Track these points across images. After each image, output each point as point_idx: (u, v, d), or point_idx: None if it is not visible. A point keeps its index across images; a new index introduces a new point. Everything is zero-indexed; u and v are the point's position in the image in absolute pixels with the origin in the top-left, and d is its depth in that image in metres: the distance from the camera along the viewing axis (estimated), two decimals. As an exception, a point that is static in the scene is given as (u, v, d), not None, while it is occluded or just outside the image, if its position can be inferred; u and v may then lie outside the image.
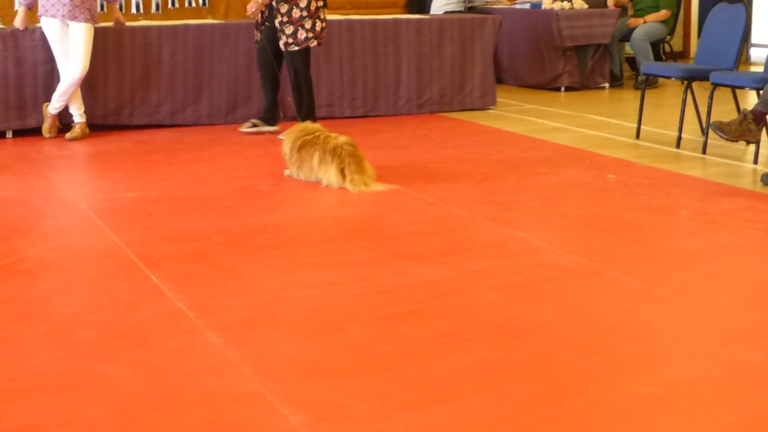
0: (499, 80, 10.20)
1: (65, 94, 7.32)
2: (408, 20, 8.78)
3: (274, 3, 7.11)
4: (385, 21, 8.68)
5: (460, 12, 10.44)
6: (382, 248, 4.51)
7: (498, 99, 9.15)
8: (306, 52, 7.23)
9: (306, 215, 5.16)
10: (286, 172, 6.04)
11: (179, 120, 7.97)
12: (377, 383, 3.03)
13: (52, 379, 3.07)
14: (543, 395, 2.94)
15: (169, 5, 10.23)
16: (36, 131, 7.51)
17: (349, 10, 11.05)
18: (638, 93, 8.65)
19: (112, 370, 3.13)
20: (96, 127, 7.69)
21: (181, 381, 3.04)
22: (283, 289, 3.92)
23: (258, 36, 7.47)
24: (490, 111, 8.91)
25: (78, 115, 7.46)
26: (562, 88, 10.14)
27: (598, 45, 10.21)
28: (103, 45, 7.67)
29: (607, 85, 10.44)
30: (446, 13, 10.31)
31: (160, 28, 7.92)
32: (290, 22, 7.10)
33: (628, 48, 10.89)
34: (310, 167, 5.85)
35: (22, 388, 3.00)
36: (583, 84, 10.23)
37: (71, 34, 7.26)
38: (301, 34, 7.11)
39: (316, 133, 5.92)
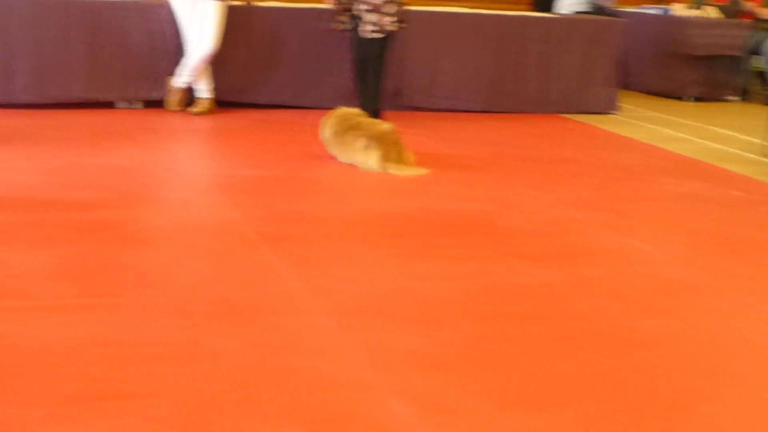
0: (624, 85, 10.04)
1: (195, 70, 7.46)
2: (535, 18, 8.72)
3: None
4: (512, 17, 8.63)
5: (587, 13, 10.32)
6: (498, 246, 4.49)
7: (621, 104, 9.02)
8: (384, 40, 7.08)
9: (425, 206, 5.16)
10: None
11: (301, 102, 8.05)
12: (488, 381, 3.02)
13: (170, 349, 3.14)
14: (653, 411, 2.90)
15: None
16: (163, 104, 7.68)
17: (476, 2, 11.01)
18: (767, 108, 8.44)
19: (228, 345, 3.18)
20: (220, 103, 7.82)
21: (296, 362, 3.08)
22: (399, 279, 3.93)
23: (340, 26, 7.34)
24: (612, 115, 8.79)
25: (206, 91, 7.59)
26: (689, 98, 9.94)
27: (729, 56, 9.99)
28: (233, 23, 7.78)
29: (735, 97, 10.20)
30: (576, 13, 10.20)
31: (289, 10, 8.00)
32: (373, 10, 6.97)
33: (759, 61, 10.63)
34: (353, 151, 6.00)
35: (140, 355, 3.07)
36: (710, 95, 10.02)
37: (203, 11, 7.39)
38: (384, 20, 7.00)
39: (359, 120, 6.10)
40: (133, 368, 2.97)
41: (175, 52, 7.69)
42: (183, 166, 5.80)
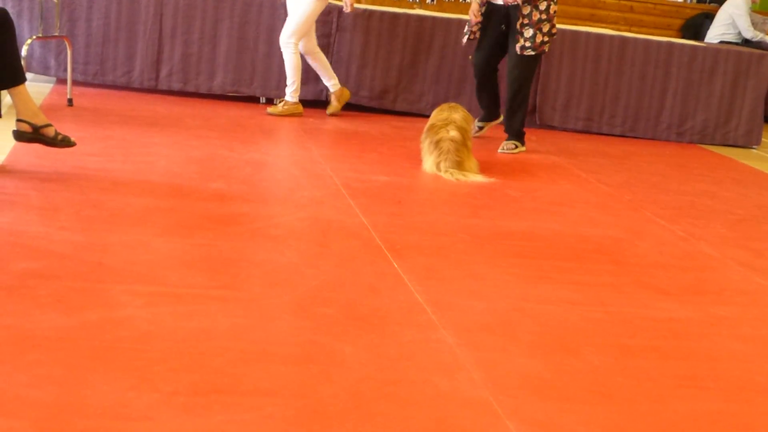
0: (768, 120, 9.80)
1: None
2: (682, 45, 8.55)
3: (519, 2, 6.78)
4: (659, 43, 8.49)
5: (736, 44, 10.09)
6: (626, 275, 4.42)
7: (765, 139, 8.78)
8: (538, 58, 6.93)
9: (552, 228, 5.11)
10: None
11: (438, 111, 8.06)
12: (607, 414, 2.97)
13: (291, 349, 3.17)
14: (779, 462, 2.82)
15: (445, -3, 10.36)
16: (302, 103, 7.78)
17: (622, 26, 10.88)
18: None
19: (348, 350, 3.21)
20: (360, 108, 7.91)
21: (413, 375, 3.08)
22: (522, 300, 3.90)
23: (467, 40, 7.13)
24: (754, 150, 8.57)
25: (330, 84, 7.64)
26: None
27: None
28: (377, 29, 7.85)
29: None
30: (721, 42, 9.99)
31: (434, 18, 8.03)
32: (530, 24, 6.78)
33: None
34: (422, 149, 6.18)
35: (262, 352, 3.11)
36: None
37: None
38: (539, 38, 6.81)
39: (444, 120, 6.14)
40: (252, 365, 3.01)
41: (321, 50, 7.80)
42: (317, 166, 5.86)
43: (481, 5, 6.96)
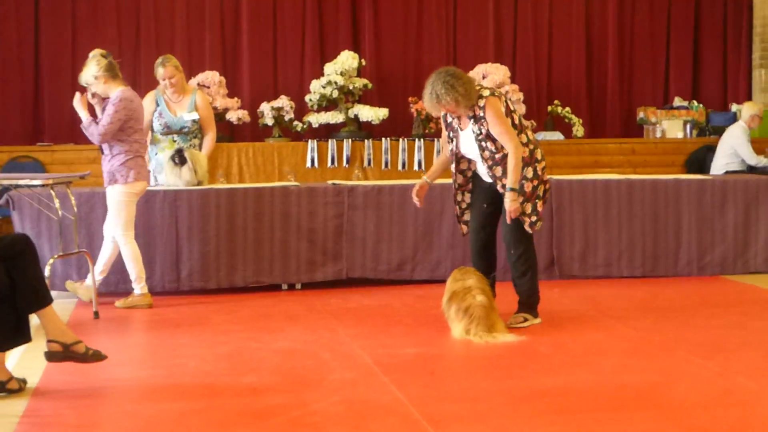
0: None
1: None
2: (689, 181, 8.66)
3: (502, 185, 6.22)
4: (666, 181, 8.60)
5: (742, 172, 10.21)
6: (668, 420, 4.37)
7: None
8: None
9: (587, 379, 5.09)
10: None
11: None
12: None
13: None
14: None
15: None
16: (323, 284, 7.88)
17: (626, 168, 11.03)
18: None
19: None
20: (381, 281, 8.00)
21: None
22: (568, 459, 3.87)
23: (465, 229, 6.59)
24: (777, 275, 8.58)
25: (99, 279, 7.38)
26: None
27: None
28: (386, 203, 8.01)
29: None
30: (727, 173, 10.11)
31: (442, 186, 8.17)
32: (526, 199, 6.25)
33: None
34: (449, 317, 6.15)
35: None
36: None
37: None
38: (540, 207, 6.34)
39: (463, 287, 6.13)
40: None
41: (335, 233, 7.94)
42: (345, 346, 5.89)
43: (466, 181, 6.51)
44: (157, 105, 8.04)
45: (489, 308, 6.05)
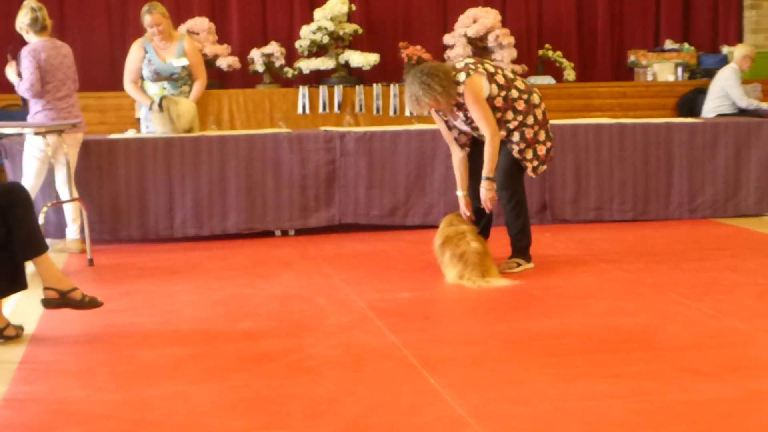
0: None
1: None
2: (680, 124, 8.67)
3: (505, 134, 6.27)
4: (657, 124, 8.61)
5: (733, 114, 10.22)
6: (660, 361, 4.42)
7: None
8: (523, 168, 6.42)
9: (580, 322, 5.13)
10: None
11: (450, 221, 8.14)
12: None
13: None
14: None
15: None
16: (316, 231, 7.92)
17: (618, 112, 11.03)
18: None
19: (398, 474, 3.22)
20: (373, 227, 8.03)
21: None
22: (563, 400, 3.91)
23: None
24: (767, 217, 8.61)
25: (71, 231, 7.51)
26: None
27: None
28: (380, 148, 8.02)
29: None
30: (718, 116, 10.12)
31: (434, 131, 8.16)
32: (528, 145, 6.32)
33: None
34: (443, 265, 6.21)
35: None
36: None
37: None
38: (541, 150, 6.38)
39: (456, 232, 6.19)
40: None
41: (327, 179, 7.95)
42: (340, 291, 5.92)
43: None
44: (146, 52, 8.00)
45: (483, 254, 6.08)
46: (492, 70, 6.23)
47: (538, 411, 3.79)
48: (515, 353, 4.58)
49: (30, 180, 7.12)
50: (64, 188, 7.18)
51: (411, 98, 6.05)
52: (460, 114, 6.18)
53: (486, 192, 6.17)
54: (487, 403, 3.89)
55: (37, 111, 7.19)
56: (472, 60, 6.25)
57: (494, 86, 6.17)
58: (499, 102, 6.20)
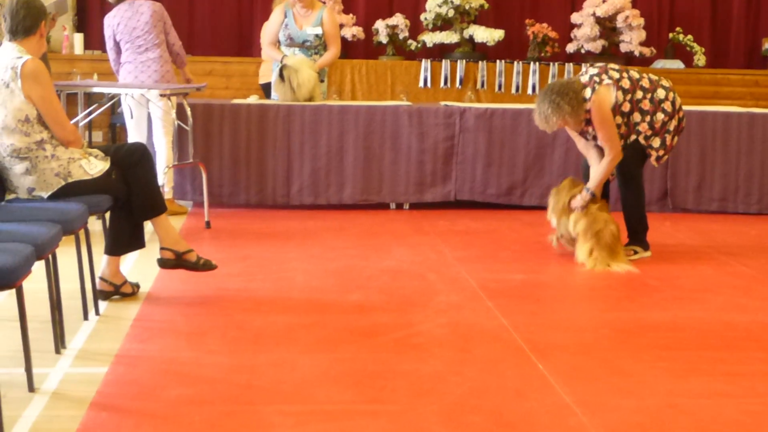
0: None
1: None
2: (814, 116, 8.36)
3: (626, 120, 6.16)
4: (790, 116, 8.33)
5: None
6: (779, 362, 4.29)
7: None
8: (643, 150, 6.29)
9: (697, 316, 5.00)
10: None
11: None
12: None
13: (444, 460, 3.17)
14: None
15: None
16: (431, 205, 7.89)
17: (748, 101, 10.71)
18: None
19: (501, 459, 3.18)
20: (489, 205, 7.98)
21: (570, 481, 3.04)
22: (673, 395, 3.82)
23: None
24: None
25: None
26: None
27: None
28: (501, 126, 7.94)
29: None
30: None
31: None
32: (654, 133, 6.20)
33: None
34: (567, 229, 6.17)
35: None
36: None
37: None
38: (669, 140, 6.25)
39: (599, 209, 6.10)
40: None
41: (445, 155, 7.91)
42: (452, 269, 5.89)
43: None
44: (285, 17, 8.07)
45: (617, 239, 6.03)
46: (617, 76, 6.11)
47: (647, 405, 3.71)
48: (627, 344, 4.49)
49: (160, 138, 7.34)
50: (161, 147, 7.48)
51: (540, 116, 6.00)
52: (589, 129, 6.11)
53: (580, 200, 6.12)
54: (595, 394, 3.82)
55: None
56: (596, 70, 6.12)
57: (619, 93, 6.08)
58: (626, 107, 6.12)
